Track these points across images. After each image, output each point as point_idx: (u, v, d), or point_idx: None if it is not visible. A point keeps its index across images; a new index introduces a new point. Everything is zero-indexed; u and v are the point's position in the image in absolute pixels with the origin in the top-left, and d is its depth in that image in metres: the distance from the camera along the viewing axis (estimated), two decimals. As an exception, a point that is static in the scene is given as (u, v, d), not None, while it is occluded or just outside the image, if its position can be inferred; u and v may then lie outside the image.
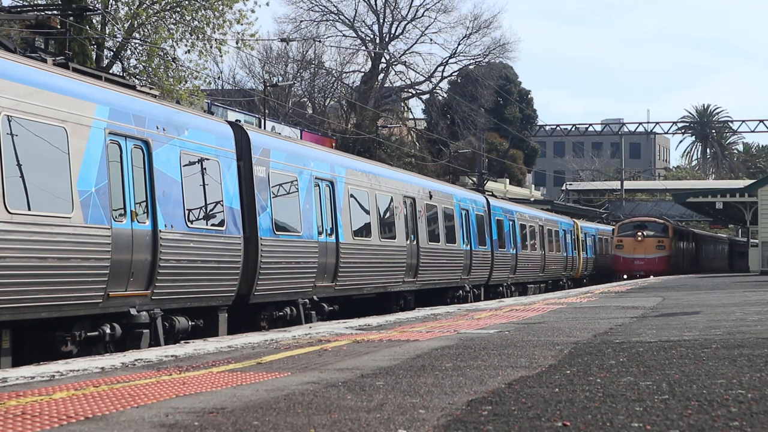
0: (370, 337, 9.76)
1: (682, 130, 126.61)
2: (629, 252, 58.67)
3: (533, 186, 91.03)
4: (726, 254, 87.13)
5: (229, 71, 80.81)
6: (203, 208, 17.77)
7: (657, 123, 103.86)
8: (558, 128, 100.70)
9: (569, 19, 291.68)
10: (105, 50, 33.35)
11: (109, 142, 14.97)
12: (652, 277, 52.04)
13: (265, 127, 42.57)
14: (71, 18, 27.22)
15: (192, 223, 16.95)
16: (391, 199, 27.33)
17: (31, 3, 29.31)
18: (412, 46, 70.88)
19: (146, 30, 32.18)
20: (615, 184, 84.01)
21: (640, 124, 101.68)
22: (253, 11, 60.98)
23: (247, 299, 19.08)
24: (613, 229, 61.91)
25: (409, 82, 72.40)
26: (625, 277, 56.86)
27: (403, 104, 76.37)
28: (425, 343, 9.07)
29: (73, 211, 13.88)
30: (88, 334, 14.39)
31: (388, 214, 27.12)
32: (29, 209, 13.07)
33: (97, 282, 14.31)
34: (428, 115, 76.00)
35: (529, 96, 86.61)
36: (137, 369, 7.09)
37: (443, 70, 72.89)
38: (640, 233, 58.62)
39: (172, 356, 7.96)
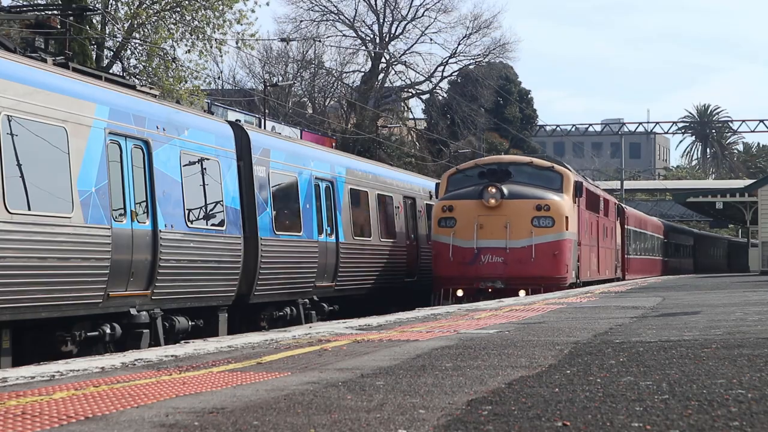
0: (370, 337, 9.76)
1: (682, 130, 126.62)
2: (466, 235, 25.73)
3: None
4: (659, 247, 58.87)
5: (229, 71, 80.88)
6: (203, 208, 17.77)
7: (657, 123, 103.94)
8: (558, 128, 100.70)
9: (569, 19, 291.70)
10: (105, 50, 33.35)
11: (109, 142, 14.97)
12: (523, 293, 24.93)
13: (265, 127, 42.57)
14: (71, 18, 27.23)
15: (192, 223, 16.95)
16: (391, 199, 27.34)
17: (31, 3, 29.31)
18: (412, 46, 70.90)
19: (146, 30, 32.18)
20: (615, 184, 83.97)
21: (640, 124, 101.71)
22: (253, 11, 60.98)
23: (247, 299, 19.08)
24: (437, 186, 28.53)
25: (409, 82, 72.39)
26: (459, 293, 25.46)
27: (403, 104, 76.35)
28: (425, 343, 9.07)
29: (73, 211, 13.88)
30: (88, 334, 14.40)
31: (388, 214, 27.12)
32: (29, 209, 13.08)
33: (97, 282, 14.31)
34: (428, 115, 75.97)
35: (529, 96, 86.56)
36: (137, 369, 7.09)
37: (443, 70, 72.90)
38: (493, 190, 25.82)
39: (172, 356, 7.96)
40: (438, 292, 25.81)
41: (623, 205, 46.61)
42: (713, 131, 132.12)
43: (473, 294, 25.00)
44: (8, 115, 12.82)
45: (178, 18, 31.95)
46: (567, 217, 26.28)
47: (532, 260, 25.40)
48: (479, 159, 32.48)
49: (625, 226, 44.07)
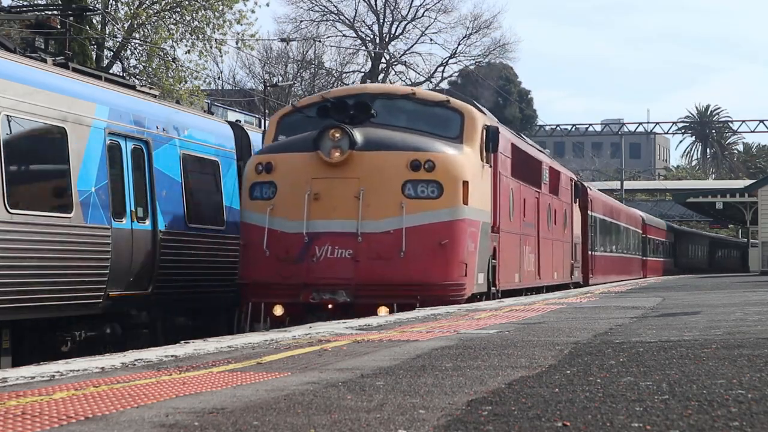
0: (370, 337, 9.76)
1: (682, 130, 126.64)
2: (291, 212, 15.84)
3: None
4: (637, 244, 50.26)
5: (229, 71, 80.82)
6: (203, 208, 17.77)
7: (657, 123, 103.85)
8: (558, 128, 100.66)
9: (569, 19, 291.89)
10: (105, 50, 33.38)
11: (109, 142, 14.98)
12: (384, 311, 15.30)
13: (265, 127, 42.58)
14: (71, 18, 27.25)
15: (192, 223, 16.95)
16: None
17: (31, 3, 29.33)
18: (412, 46, 70.96)
19: (146, 30, 32.20)
20: (615, 184, 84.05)
21: (640, 124, 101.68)
22: (253, 11, 61.01)
23: (247, 299, 19.08)
24: (264, 134, 18.67)
25: (409, 83, 72.39)
26: (278, 312, 15.74)
27: (403, 104, 76.26)
28: (425, 343, 9.06)
29: (73, 211, 13.89)
30: (88, 334, 14.41)
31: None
32: (29, 209, 13.08)
33: (97, 282, 14.32)
34: (428, 115, 75.88)
35: (529, 96, 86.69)
36: (137, 369, 7.09)
37: (443, 71, 72.97)
38: (337, 135, 15.86)
39: (172, 356, 7.96)
40: (245, 309, 15.89)
41: (586, 184, 35.03)
42: (713, 131, 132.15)
43: (301, 313, 15.56)
44: (8, 115, 12.82)
45: (178, 18, 31.98)
46: (466, 183, 16.27)
47: (402, 255, 15.56)
48: (324, 93, 19.30)
49: (589, 213, 33.64)
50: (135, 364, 7.38)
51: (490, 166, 18.19)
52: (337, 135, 15.82)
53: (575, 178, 30.84)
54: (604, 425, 4.48)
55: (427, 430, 4.42)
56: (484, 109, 19.31)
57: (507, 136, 20.59)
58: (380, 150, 15.97)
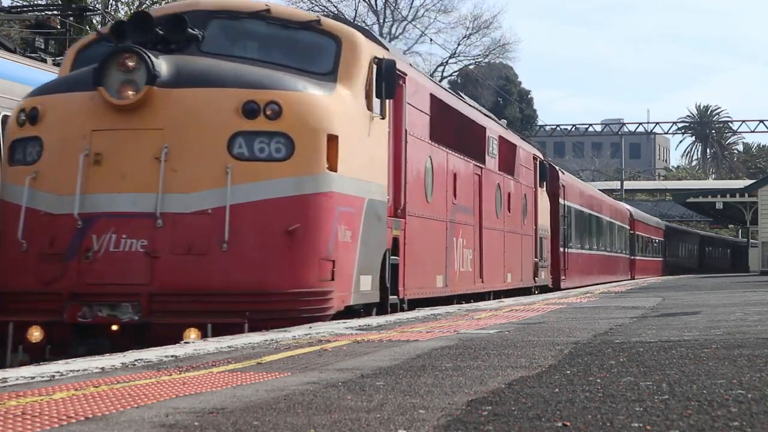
0: (370, 337, 9.76)
1: (682, 130, 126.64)
2: (59, 184, 10.70)
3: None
4: (624, 241, 45.86)
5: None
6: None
7: (657, 123, 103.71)
8: (558, 128, 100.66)
9: (569, 19, 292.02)
10: (105, 50, 33.42)
11: (109, 142, 14.97)
12: (194, 336, 10.28)
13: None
14: (71, 18, 27.26)
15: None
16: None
17: (31, 3, 29.35)
18: (412, 46, 71.17)
19: (146, 30, 32.23)
20: (615, 184, 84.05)
21: (640, 124, 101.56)
22: (253, 11, 61.05)
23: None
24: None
25: (409, 82, 72.44)
26: (36, 337, 10.71)
27: (403, 104, 76.31)
28: (425, 343, 9.07)
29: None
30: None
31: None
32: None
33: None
34: (428, 115, 75.94)
35: (529, 96, 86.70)
36: (137, 369, 7.09)
37: (443, 70, 73.02)
38: (131, 63, 10.51)
39: (172, 356, 7.97)
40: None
41: (556, 167, 29.20)
42: (713, 131, 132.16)
43: (67, 336, 10.75)
44: (8, 115, 12.83)
45: (178, 18, 31.99)
46: (335, 138, 11.21)
47: (225, 248, 10.60)
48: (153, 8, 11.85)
49: (561, 202, 28.43)
50: (135, 365, 7.39)
51: (383, 118, 13.00)
52: (130, 63, 10.69)
53: (541, 157, 25.30)
54: (604, 425, 4.48)
55: (427, 430, 4.42)
56: (380, 38, 14.45)
57: (422, 83, 15.35)
58: (198, 86, 10.86)
